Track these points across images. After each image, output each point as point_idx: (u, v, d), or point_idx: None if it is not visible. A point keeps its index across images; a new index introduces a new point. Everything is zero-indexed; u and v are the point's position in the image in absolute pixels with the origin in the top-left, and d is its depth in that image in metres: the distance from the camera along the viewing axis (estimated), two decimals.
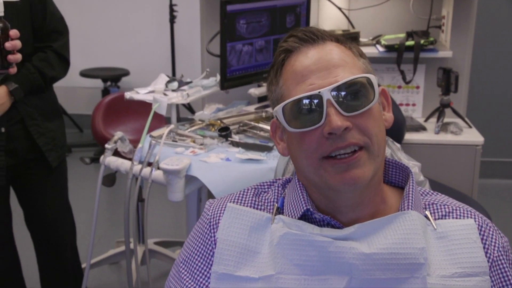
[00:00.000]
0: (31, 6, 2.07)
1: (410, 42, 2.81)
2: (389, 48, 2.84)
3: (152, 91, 2.39)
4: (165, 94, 2.34)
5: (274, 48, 2.52)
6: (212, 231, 1.09)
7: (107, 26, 5.23)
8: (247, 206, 1.11)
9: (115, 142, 2.10)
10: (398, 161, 1.16)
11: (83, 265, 2.53)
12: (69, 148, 4.76)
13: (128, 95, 2.37)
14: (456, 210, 1.08)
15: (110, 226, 3.61)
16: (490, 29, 4.04)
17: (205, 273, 1.08)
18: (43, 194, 2.26)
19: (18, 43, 1.78)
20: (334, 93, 0.99)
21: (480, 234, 1.05)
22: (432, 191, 1.15)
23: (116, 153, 2.11)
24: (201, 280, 1.08)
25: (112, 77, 5.04)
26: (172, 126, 2.21)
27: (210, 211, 1.12)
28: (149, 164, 2.03)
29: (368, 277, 0.98)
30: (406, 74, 2.87)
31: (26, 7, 2.06)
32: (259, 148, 2.11)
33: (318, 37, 1.05)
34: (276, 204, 1.11)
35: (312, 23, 2.73)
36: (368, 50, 2.87)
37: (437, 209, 1.09)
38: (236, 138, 2.19)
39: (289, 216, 1.07)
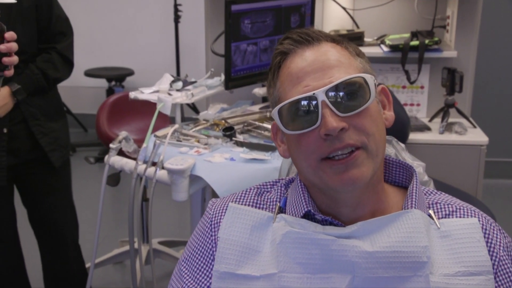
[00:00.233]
0: (37, 8, 2.08)
1: (414, 42, 2.81)
2: (393, 48, 2.84)
3: (157, 91, 2.39)
4: (169, 94, 2.34)
5: None
6: (213, 230, 1.09)
7: (112, 26, 5.24)
8: (249, 205, 1.11)
9: (120, 141, 2.10)
10: (402, 161, 1.16)
11: (87, 265, 2.53)
12: (74, 147, 4.77)
13: (132, 94, 2.37)
14: (460, 209, 1.08)
15: (115, 226, 3.61)
16: (495, 29, 4.03)
17: (206, 272, 1.08)
18: (46, 194, 2.27)
19: (13, 45, 1.77)
20: (329, 93, 0.99)
21: (484, 233, 1.05)
22: (436, 191, 1.14)
23: (121, 152, 2.12)
24: (201, 279, 1.08)
25: (117, 77, 5.05)
26: (176, 125, 2.21)
27: (212, 210, 1.12)
28: (154, 164, 2.03)
29: (371, 275, 0.98)
30: (410, 74, 2.87)
31: (32, 9, 2.06)
32: (263, 148, 2.11)
33: (313, 38, 1.05)
34: (278, 204, 1.11)
35: (317, 23, 2.73)
36: (373, 50, 2.87)
37: (441, 208, 1.09)
38: (240, 138, 2.19)
39: (291, 215, 1.07)
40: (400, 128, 2.57)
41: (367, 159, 1.00)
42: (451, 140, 2.72)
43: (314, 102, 0.99)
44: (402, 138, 2.58)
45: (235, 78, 2.41)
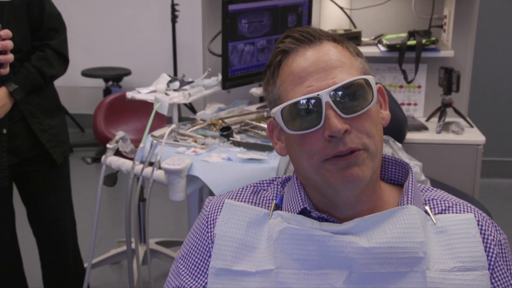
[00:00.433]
0: (28, 6, 2.07)
1: (411, 42, 2.81)
2: (390, 47, 2.84)
3: (154, 91, 2.39)
4: (166, 94, 2.34)
5: None
6: (209, 227, 1.10)
7: (109, 26, 5.24)
8: (245, 202, 1.11)
9: (117, 141, 2.10)
10: (398, 158, 1.16)
11: (85, 265, 2.53)
12: (71, 147, 4.77)
13: (129, 94, 2.37)
14: (456, 205, 1.09)
15: (112, 226, 3.61)
16: (492, 29, 4.03)
17: (202, 269, 1.08)
18: (47, 191, 2.27)
19: (9, 44, 1.77)
20: (332, 94, 0.99)
21: (479, 229, 1.05)
22: (431, 187, 1.15)
23: (118, 152, 2.12)
24: (198, 276, 1.08)
25: (114, 77, 5.04)
26: (173, 125, 2.21)
27: (208, 207, 1.13)
28: (151, 164, 2.03)
29: (368, 271, 0.99)
30: (407, 73, 2.87)
31: (23, 7, 2.06)
32: (260, 147, 2.11)
33: (315, 37, 1.05)
34: (274, 201, 1.11)
35: (314, 22, 2.73)
36: (370, 50, 2.87)
37: (437, 204, 1.09)
38: (237, 137, 2.19)
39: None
40: (397, 128, 2.58)
41: (367, 159, 1.00)
42: (448, 139, 2.72)
43: (316, 103, 0.99)
44: (399, 137, 2.59)
45: (232, 78, 2.41)
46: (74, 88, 5.29)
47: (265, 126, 2.25)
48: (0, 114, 2.01)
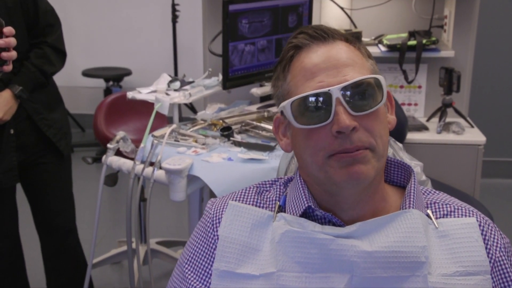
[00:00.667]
0: (22, 5, 2.07)
1: (412, 42, 2.81)
2: (391, 47, 2.84)
3: (154, 91, 2.39)
4: (167, 94, 2.34)
5: (276, 48, 2.52)
6: (214, 229, 1.09)
7: (110, 26, 5.24)
8: (249, 204, 1.11)
9: (117, 141, 2.10)
10: (400, 160, 1.16)
11: None
12: (71, 147, 4.76)
13: (130, 94, 2.37)
14: (458, 209, 1.08)
15: (112, 226, 3.61)
16: (492, 29, 4.03)
17: (209, 271, 1.08)
18: (51, 183, 2.30)
19: (12, 40, 1.77)
20: (343, 92, 0.99)
21: (482, 234, 1.05)
22: (434, 190, 1.15)
23: (118, 152, 2.12)
24: (205, 278, 1.08)
25: (114, 77, 5.04)
26: (174, 125, 2.21)
27: (212, 209, 1.12)
28: (151, 164, 2.03)
29: (369, 275, 0.98)
30: (408, 73, 2.87)
31: (16, 5, 2.06)
32: (261, 147, 2.11)
33: (329, 35, 1.05)
34: (278, 202, 1.11)
35: (315, 22, 2.73)
36: (370, 50, 2.84)
37: (439, 208, 1.09)
38: (238, 137, 2.19)
39: (290, 213, 1.07)
40: (398, 128, 2.58)
41: (373, 158, 1.00)
42: (449, 139, 2.72)
43: (327, 99, 0.99)
44: (400, 137, 2.59)
45: (233, 78, 2.41)
46: (75, 88, 5.30)
47: (266, 126, 2.26)
48: (8, 117, 2.04)
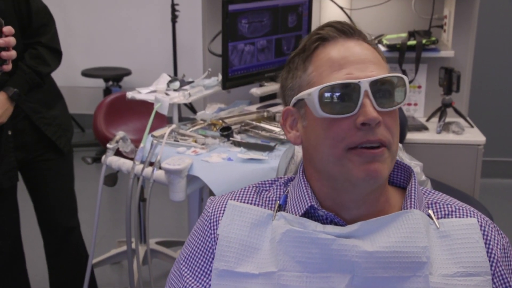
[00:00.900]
0: (14, 6, 2.07)
1: (412, 42, 2.81)
2: (391, 47, 2.84)
3: (154, 91, 2.39)
4: (167, 94, 2.34)
5: (276, 48, 2.52)
6: (212, 228, 1.09)
7: (109, 26, 5.23)
8: (248, 203, 1.11)
9: (117, 142, 2.10)
10: (400, 161, 1.16)
11: None
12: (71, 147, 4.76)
13: (130, 94, 2.37)
14: (459, 209, 1.08)
15: (112, 226, 3.61)
16: (492, 29, 4.03)
17: (206, 270, 1.08)
18: (53, 180, 2.31)
19: (12, 40, 1.78)
20: (371, 86, 0.99)
21: (483, 234, 1.05)
22: (433, 190, 1.15)
23: (118, 153, 2.12)
24: (202, 277, 1.08)
25: (114, 77, 5.04)
26: (173, 125, 2.21)
27: (211, 208, 1.12)
28: (151, 164, 2.03)
29: (371, 275, 0.99)
30: (408, 73, 2.87)
31: (9, 7, 2.05)
32: (260, 148, 2.11)
33: (355, 32, 1.06)
34: (278, 201, 1.11)
35: (314, 22, 2.73)
36: None
37: (440, 208, 1.09)
38: (237, 137, 2.19)
39: (292, 212, 1.07)
40: None
41: (388, 158, 1.01)
42: (449, 139, 2.72)
43: (356, 90, 0.99)
44: (400, 137, 2.58)
45: (233, 78, 2.41)
46: (74, 88, 5.29)
47: (265, 126, 2.26)
48: (4, 119, 2.05)
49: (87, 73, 5.01)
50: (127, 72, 5.05)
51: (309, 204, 1.05)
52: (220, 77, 2.48)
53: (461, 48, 2.89)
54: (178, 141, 2.15)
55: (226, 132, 2.18)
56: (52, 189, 2.31)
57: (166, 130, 2.15)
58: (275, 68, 2.56)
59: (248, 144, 2.14)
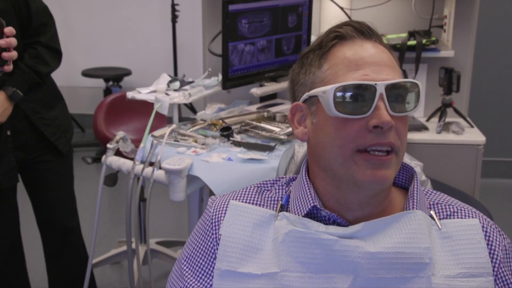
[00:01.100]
0: (14, 6, 2.07)
1: (412, 42, 2.81)
2: (391, 47, 2.83)
3: (154, 91, 2.39)
4: (167, 94, 2.34)
5: (276, 48, 2.52)
6: (214, 228, 1.09)
7: (109, 26, 5.23)
8: (249, 203, 1.10)
9: (117, 142, 2.10)
10: (403, 162, 1.16)
11: None
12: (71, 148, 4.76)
13: (130, 94, 2.37)
14: (460, 210, 1.08)
15: (112, 226, 3.61)
16: (492, 29, 4.03)
17: (208, 271, 1.08)
18: (52, 181, 2.31)
19: (13, 40, 1.78)
20: (387, 89, 0.99)
21: (485, 235, 1.05)
22: (435, 191, 1.15)
23: (118, 153, 2.12)
24: (203, 277, 1.08)
25: (114, 77, 5.04)
26: (174, 125, 2.21)
27: (213, 208, 1.12)
28: (151, 164, 2.03)
29: (373, 276, 0.99)
30: (408, 73, 2.87)
31: (9, 6, 2.05)
32: (261, 148, 2.11)
33: (373, 33, 1.06)
34: (280, 201, 1.10)
35: (314, 22, 2.73)
36: None
37: (442, 209, 1.09)
38: (238, 137, 2.19)
39: (294, 212, 1.07)
40: None
41: (395, 164, 1.02)
42: (449, 139, 2.72)
43: (372, 92, 0.99)
44: None
45: (233, 78, 2.41)
46: (74, 88, 5.29)
47: (265, 126, 2.26)
48: (3, 119, 2.05)
49: (87, 73, 5.01)
50: (127, 72, 5.05)
51: (312, 205, 1.05)
52: (220, 77, 2.48)
53: (461, 48, 2.89)
54: (178, 141, 2.15)
55: (226, 132, 2.18)
56: (51, 190, 2.31)
57: (166, 130, 2.15)
58: (275, 68, 2.57)
59: (248, 144, 2.14)
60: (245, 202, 1.11)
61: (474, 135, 2.75)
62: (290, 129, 2.21)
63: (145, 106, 2.57)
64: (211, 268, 1.07)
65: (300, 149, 1.52)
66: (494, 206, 3.22)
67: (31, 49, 2.14)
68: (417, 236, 1.00)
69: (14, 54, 1.80)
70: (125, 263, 3.13)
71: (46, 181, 2.29)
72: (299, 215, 1.06)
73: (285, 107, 2.52)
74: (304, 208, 1.06)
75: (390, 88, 1.00)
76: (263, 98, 2.60)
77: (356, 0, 3.05)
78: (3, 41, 1.76)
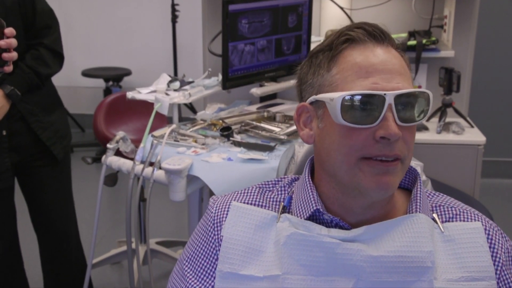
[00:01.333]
0: (20, 5, 2.06)
1: (412, 42, 2.81)
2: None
3: (154, 91, 2.39)
4: (167, 94, 2.34)
5: (276, 48, 2.52)
6: (216, 229, 1.09)
7: (109, 26, 5.23)
8: (251, 204, 1.10)
9: (117, 142, 2.10)
10: None
11: None
12: (71, 147, 4.77)
13: (130, 94, 2.37)
14: (463, 212, 1.08)
15: (112, 226, 3.61)
16: (492, 29, 4.03)
17: (210, 272, 1.07)
18: (48, 186, 2.28)
19: (13, 41, 1.78)
20: (396, 99, 0.97)
21: (487, 238, 1.05)
22: (437, 193, 1.14)
23: (118, 153, 2.12)
24: (205, 278, 1.07)
25: (114, 77, 5.04)
26: (174, 125, 2.21)
27: (214, 209, 1.11)
28: (151, 164, 2.03)
29: (375, 279, 0.98)
30: None
31: (15, 6, 2.05)
32: (260, 148, 2.11)
33: (386, 37, 1.03)
34: (282, 203, 1.10)
35: (314, 22, 2.73)
36: None
37: (444, 211, 1.08)
38: (238, 138, 2.19)
39: (297, 215, 1.06)
40: None
41: (400, 171, 1.00)
42: (449, 139, 2.72)
43: (380, 102, 0.97)
44: None
45: (233, 78, 2.41)
46: (74, 88, 5.29)
47: (265, 126, 2.26)
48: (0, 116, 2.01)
49: (87, 73, 5.01)
50: (127, 72, 5.05)
51: (315, 208, 1.04)
52: (220, 77, 2.48)
53: (461, 48, 2.89)
54: (178, 141, 2.15)
55: (226, 132, 2.18)
56: (47, 196, 2.28)
57: (166, 130, 2.15)
58: (275, 68, 2.57)
59: (248, 144, 2.14)
60: (247, 202, 1.10)
61: (474, 135, 2.75)
62: (290, 129, 2.21)
63: (145, 106, 2.57)
64: (213, 269, 1.07)
65: (300, 149, 1.52)
66: (494, 206, 3.22)
67: (33, 50, 2.13)
68: (420, 239, 1.00)
69: (14, 55, 1.80)
70: (125, 263, 3.12)
71: (42, 185, 2.27)
72: (301, 218, 1.05)
73: (285, 107, 2.52)
74: (307, 211, 1.05)
75: (401, 98, 0.98)
76: (263, 98, 2.60)
77: (356, 0, 3.05)
78: (3, 42, 1.76)
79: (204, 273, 1.08)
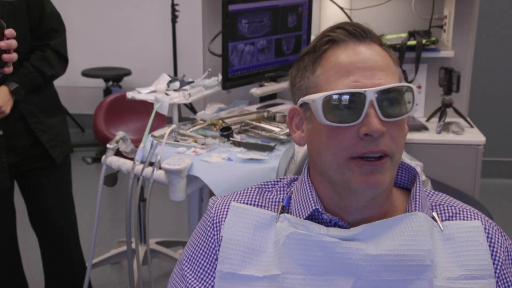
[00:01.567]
0: (28, 6, 2.07)
1: (412, 42, 2.81)
2: (391, 48, 2.83)
3: (154, 91, 2.39)
4: (167, 94, 2.34)
5: (276, 48, 2.52)
6: (215, 229, 1.09)
7: (109, 26, 5.24)
8: (250, 204, 1.10)
9: (117, 142, 2.10)
10: (405, 163, 1.15)
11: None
12: (71, 147, 4.76)
13: (130, 95, 2.37)
14: (462, 211, 1.08)
15: (112, 226, 3.61)
16: (492, 29, 4.03)
17: (210, 272, 1.08)
18: (47, 189, 2.28)
19: (13, 42, 1.78)
20: (377, 95, 0.98)
21: (487, 237, 1.05)
22: (437, 192, 1.14)
23: (118, 153, 2.11)
24: (205, 279, 1.08)
25: (114, 77, 5.05)
26: (173, 126, 2.21)
27: (214, 209, 1.12)
28: (151, 164, 2.03)
29: (375, 278, 0.98)
30: (408, 73, 2.87)
31: (23, 6, 2.05)
32: (260, 148, 2.11)
33: (367, 35, 1.04)
34: (282, 203, 1.10)
35: (314, 22, 2.73)
36: None
37: (444, 210, 1.08)
38: (237, 138, 2.19)
39: (296, 215, 1.07)
40: None
41: (390, 167, 1.01)
42: (449, 139, 2.72)
43: (361, 100, 0.97)
44: None
45: (233, 78, 2.41)
46: (74, 88, 5.30)
47: (265, 126, 2.26)
48: (6, 108, 2.00)
49: (87, 73, 5.01)
50: (127, 72, 5.05)
51: (314, 208, 1.04)
52: (220, 77, 2.48)
53: (461, 48, 2.89)
54: (178, 141, 2.15)
55: (226, 132, 2.18)
56: (46, 198, 2.28)
57: (166, 130, 2.15)
58: (275, 68, 2.56)
59: (248, 144, 2.14)
60: (246, 203, 1.11)
61: (474, 135, 2.75)
62: None
63: (145, 106, 2.57)
64: (213, 269, 1.07)
65: (300, 149, 1.52)
66: (494, 206, 3.22)
67: (39, 51, 2.14)
68: (419, 238, 1.00)
69: (14, 56, 1.80)
70: (125, 263, 3.12)
71: (41, 188, 2.26)
72: (300, 218, 1.05)
73: (285, 107, 2.52)
74: (306, 211, 1.05)
75: (383, 93, 0.98)
76: (263, 98, 2.60)
77: (356, 0, 3.05)
78: (3, 43, 1.76)
79: (204, 273, 1.08)
